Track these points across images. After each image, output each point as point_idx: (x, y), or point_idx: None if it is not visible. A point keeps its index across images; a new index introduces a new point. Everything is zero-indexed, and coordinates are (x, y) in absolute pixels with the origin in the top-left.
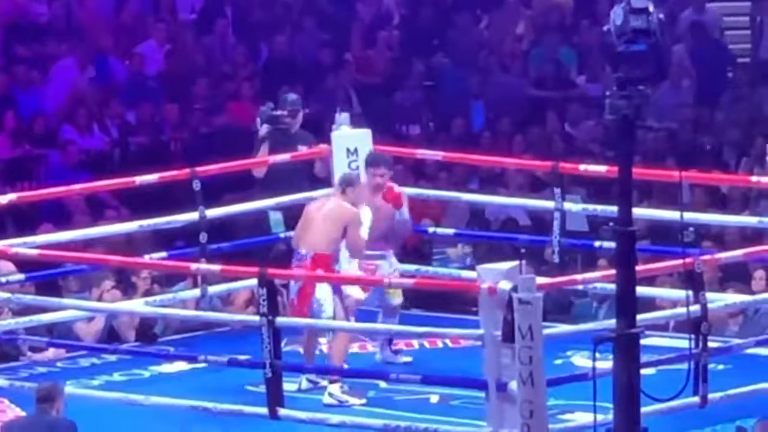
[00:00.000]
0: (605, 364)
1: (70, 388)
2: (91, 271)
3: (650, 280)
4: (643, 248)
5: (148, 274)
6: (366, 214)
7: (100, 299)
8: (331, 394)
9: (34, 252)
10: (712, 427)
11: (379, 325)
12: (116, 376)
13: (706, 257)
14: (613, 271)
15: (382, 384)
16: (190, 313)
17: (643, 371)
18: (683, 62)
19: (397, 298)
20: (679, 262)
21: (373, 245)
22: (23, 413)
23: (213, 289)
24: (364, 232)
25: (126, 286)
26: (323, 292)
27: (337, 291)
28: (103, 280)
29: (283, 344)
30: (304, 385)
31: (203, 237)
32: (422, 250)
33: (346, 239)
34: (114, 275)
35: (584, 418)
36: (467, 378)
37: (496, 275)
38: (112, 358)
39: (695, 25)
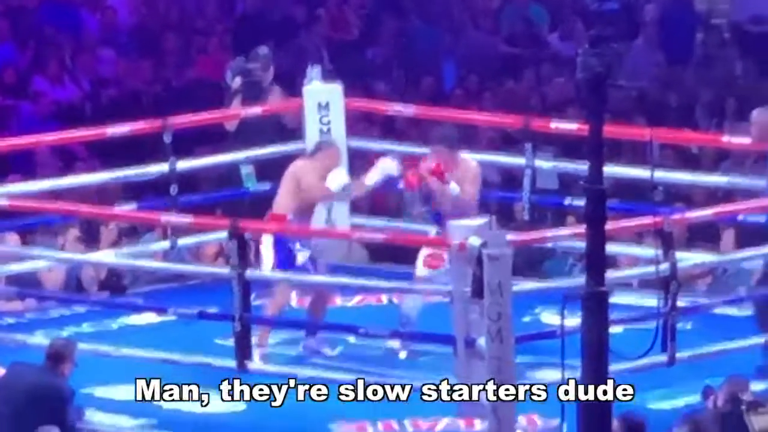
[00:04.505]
0: (574, 321)
1: (38, 339)
2: (60, 222)
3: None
4: (613, 206)
5: (114, 226)
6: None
7: (62, 249)
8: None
9: (4, 202)
10: (680, 386)
11: (346, 280)
12: (85, 327)
13: (676, 216)
14: (583, 228)
15: (351, 339)
16: (162, 265)
17: (611, 329)
18: (654, 22)
19: None
20: (649, 220)
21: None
22: None
23: (182, 242)
24: (331, 183)
25: (91, 237)
26: (266, 246)
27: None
28: (68, 229)
29: (252, 298)
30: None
31: (174, 189)
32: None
33: (304, 191)
34: (80, 225)
35: (552, 375)
36: (435, 333)
37: (465, 231)
38: (81, 309)
39: None
